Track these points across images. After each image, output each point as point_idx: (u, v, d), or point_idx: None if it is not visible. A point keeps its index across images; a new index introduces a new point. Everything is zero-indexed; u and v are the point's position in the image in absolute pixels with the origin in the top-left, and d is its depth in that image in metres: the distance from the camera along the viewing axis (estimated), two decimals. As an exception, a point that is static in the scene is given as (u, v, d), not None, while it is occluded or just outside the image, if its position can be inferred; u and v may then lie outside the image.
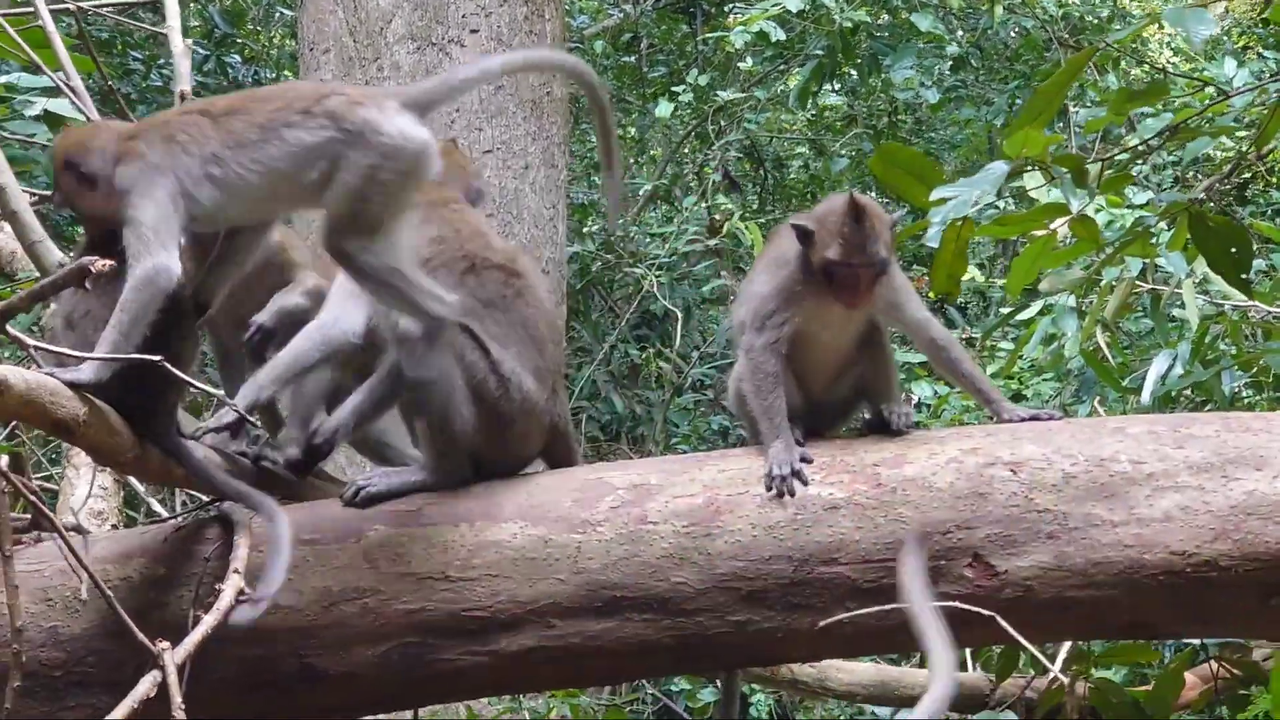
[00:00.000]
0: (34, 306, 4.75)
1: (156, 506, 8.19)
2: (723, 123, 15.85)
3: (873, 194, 15.95)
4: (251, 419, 5.18)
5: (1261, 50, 14.76)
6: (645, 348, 15.29)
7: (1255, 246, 6.72)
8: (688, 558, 4.93)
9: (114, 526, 6.55)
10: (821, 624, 4.84)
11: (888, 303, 5.33)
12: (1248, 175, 12.86)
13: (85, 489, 6.36)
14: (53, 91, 6.96)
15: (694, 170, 16.40)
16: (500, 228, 9.19)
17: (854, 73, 15.20)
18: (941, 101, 15.07)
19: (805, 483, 4.99)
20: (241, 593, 4.76)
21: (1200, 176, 12.90)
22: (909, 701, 7.19)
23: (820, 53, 14.19)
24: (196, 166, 5.04)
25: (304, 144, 5.05)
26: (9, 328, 4.61)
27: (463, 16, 10.17)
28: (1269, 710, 6.59)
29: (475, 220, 5.62)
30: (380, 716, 7.20)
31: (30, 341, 4.62)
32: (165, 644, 4.50)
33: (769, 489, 4.98)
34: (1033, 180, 6.95)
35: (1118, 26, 14.67)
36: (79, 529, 5.21)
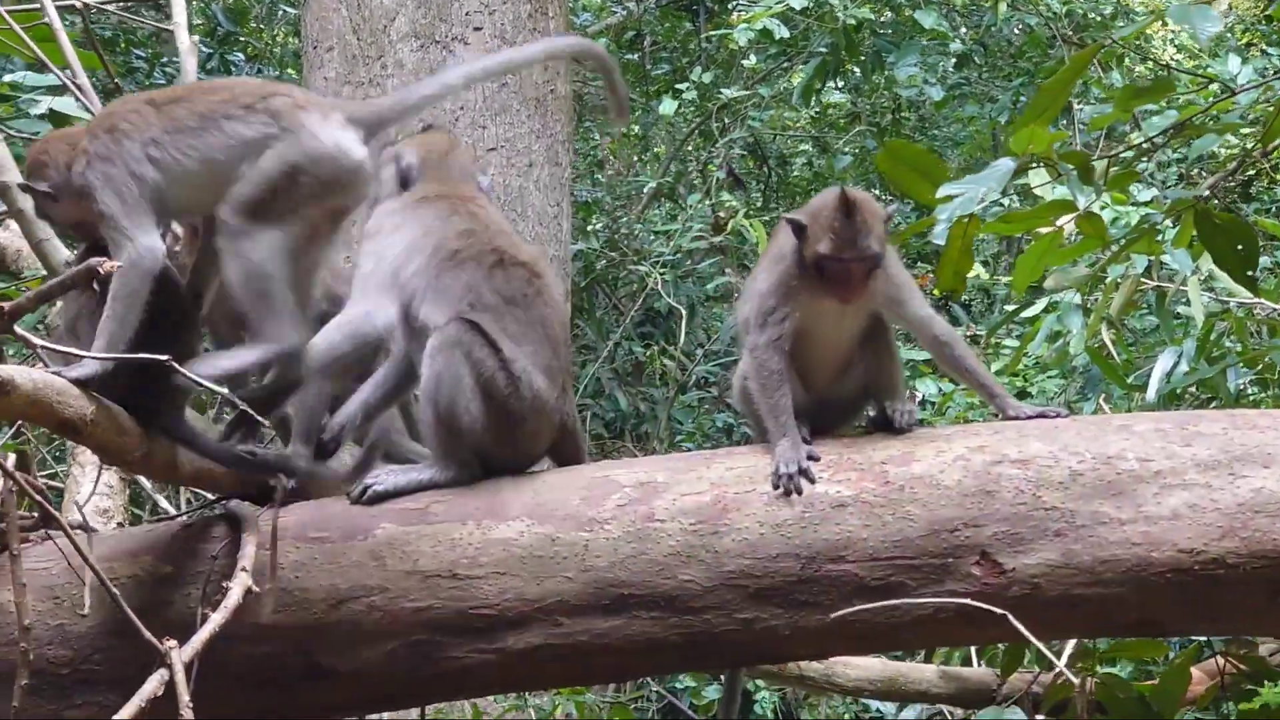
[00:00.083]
0: (41, 306, 4.73)
1: (163, 504, 8.19)
2: (726, 120, 15.84)
3: (876, 191, 16.02)
4: (263, 421, 5.20)
5: (1265, 47, 14.73)
6: (649, 345, 15.28)
7: (1260, 243, 6.71)
8: (695, 556, 4.93)
9: (120, 524, 6.55)
10: (832, 616, 4.84)
11: (889, 299, 5.32)
12: (1252, 172, 12.84)
13: (90, 487, 6.36)
14: (57, 90, 6.97)
15: (698, 168, 16.39)
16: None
17: (857, 70, 15.19)
18: (945, 99, 15.05)
19: (812, 481, 4.99)
20: (249, 590, 4.77)
21: (1204, 173, 12.89)
22: (916, 697, 7.19)
23: (824, 50, 14.18)
24: (137, 149, 5.11)
25: (241, 137, 5.08)
26: (16, 328, 4.61)
27: (466, 14, 10.18)
28: (1274, 702, 6.59)
29: (499, 218, 5.65)
30: (385, 715, 7.24)
31: (38, 341, 4.62)
32: (173, 642, 4.51)
33: (776, 487, 4.98)
34: (1037, 177, 6.95)
35: (1121, 24, 14.65)
36: (86, 527, 5.20)
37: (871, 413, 5.41)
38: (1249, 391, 8.52)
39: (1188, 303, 8.32)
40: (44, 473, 7.77)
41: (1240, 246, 6.09)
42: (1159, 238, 7.00)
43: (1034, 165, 5.97)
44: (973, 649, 7.43)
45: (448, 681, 5.10)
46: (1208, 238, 6.17)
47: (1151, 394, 8.14)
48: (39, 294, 4.53)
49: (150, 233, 5.01)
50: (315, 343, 5.34)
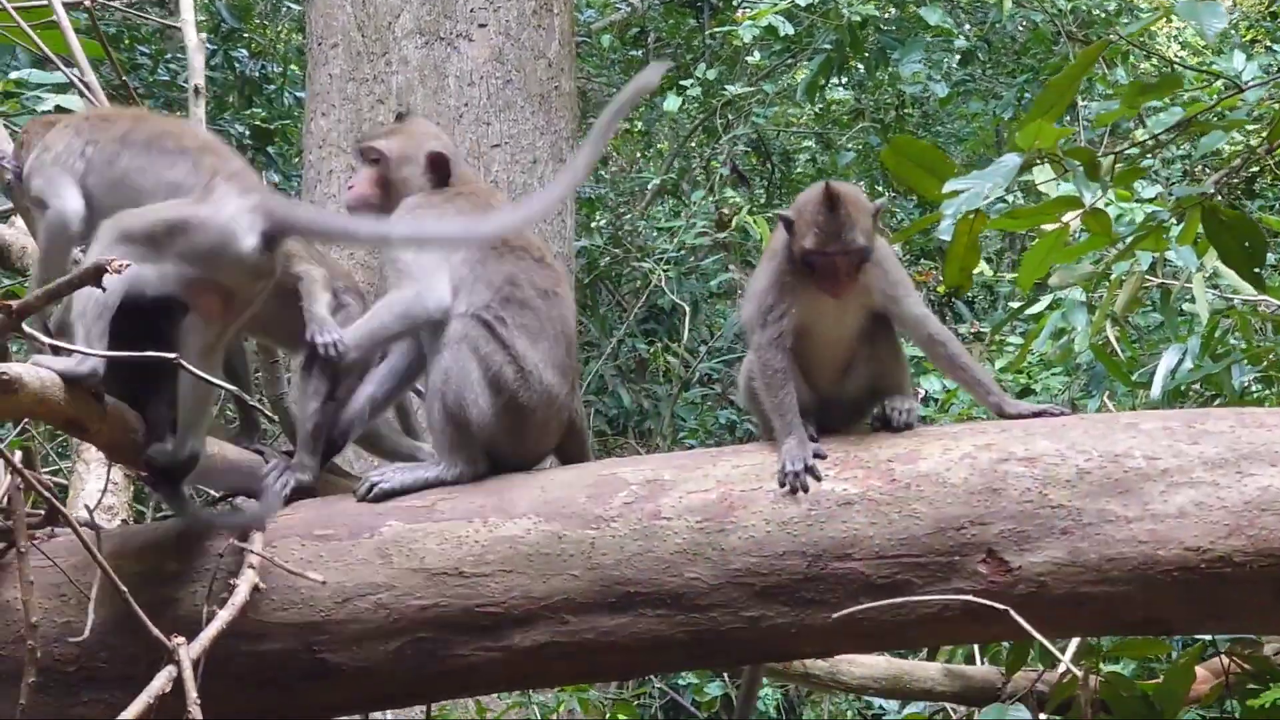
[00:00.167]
0: (48, 305, 4.73)
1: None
2: (730, 117, 15.84)
3: (880, 188, 16.03)
4: (270, 415, 5.19)
5: (1269, 44, 14.73)
6: (653, 342, 15.29)
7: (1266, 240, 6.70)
8: (701, 553, 4.92)
9: (124, 521, 6.53)
10: (835, 616, 4.84)
11: (884, 295, 5.31)
12: (1256, 169, 12.83)
13: (95, 484, 6.34)
14: (62, 87, 6.97)
15: (701, 164, 16.38)
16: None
17: (861, 67, 15.19)
18: (950, 95, 15.05)
19: (819, 478, 4.99)
20: (257, 588, 4.77)
21: (1209, 170, 12.88)
22: (921, 695, 7.19)
23: (828, 47, 14.18)
24: (78, 144, 5.16)
25: (163, 176, 5.05)
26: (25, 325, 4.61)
27: (471, 11, 10.18)
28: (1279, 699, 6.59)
29: None
30: (388, 713, 7.24)
31: (46, 339, 4.61)
32: (180, 639, 4.52)
33: (782, 485, 4.98)
34: (1042, 174, 6.95)
35: (1125, 20, 14.65)
36: (93, 524, 5.20)
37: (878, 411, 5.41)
38: (1253, 388, 8.52)
39: (1192, 300, 8.33)
40: (47, 469, 7.77)
41: (1247, 243, 6.10)
42: (1165, 235, 6.99)
43: (1039, 161, 5.97)
44: (976, 647, 7.42)
45: (453, 679, 5.09)
46: (1214, 235, 6.17)
47: (1156, 391, 8.14)
48: (47, 292, 4.52)
49: (68, 196, 5.04)
50: (358, 326, 5.35)
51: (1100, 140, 11.99)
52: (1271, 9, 15.52)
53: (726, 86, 15.43)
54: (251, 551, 4.95)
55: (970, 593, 4.80)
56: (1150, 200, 8.58)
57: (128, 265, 4.45)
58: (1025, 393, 10.23)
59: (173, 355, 4.55)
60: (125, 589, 4.63)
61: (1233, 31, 14.97)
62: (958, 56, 15.46)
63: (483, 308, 5.32)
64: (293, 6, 16.14)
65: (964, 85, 15.56)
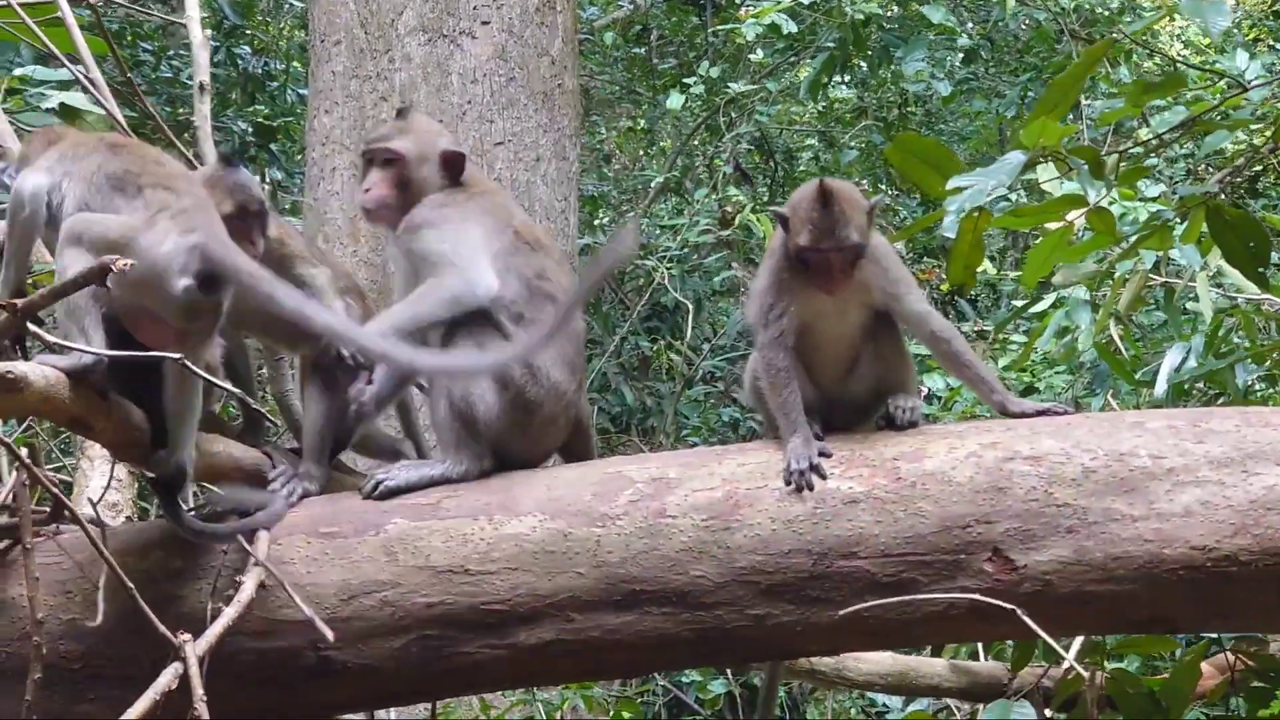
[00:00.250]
0: (54, 303, 4.72)
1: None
2: (733, 115, 15.83)
3: (884, 186, 16.03)
4: (271, 420, 5.19)
5: (1273, 43, 14.74)
6: (656, 340, 15.29)
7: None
8: (707, 551, 4.93)
9: (128, 518, 6.54)
10: (841, 614, 4.84)
11: (883, 292, 5.31)
12: (1259, 168, 12.84)
13: (99, 480, 6.34)
14: (67, 84, 6.96)
15: (705, 162, 16.38)
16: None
17: (864, 65, 15.18)
18: (953, 94, 15.05)
19: (824, 476, 4.99)
20: (262, 585, 4.77)
21: (1212, 169, 12.88)
22: (927, 691, 7.19)
23: (831, 45, 14.17)
24: (51, 161, 5.11)
25: (116, 205, 5.01)
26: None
27: (474, 8, 10.18)
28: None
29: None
30: (394, 711, 7.24)
31: (51, 338, 4.61)
32: (187, 636, 4.52)
33: (788, 483, 4.98)
34: (1045, 172, 6.94)
35: (1129, 19, 14.65)
36: (98, 522, 5.20)
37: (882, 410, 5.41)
38: (1257, 387, 8.53)
39: (1196, 298, 8.32)
40: (51, 466, 7.78)
41: (1251, 243, 6.09)
42: (1169, 234, 6.99)
43: (1042, 160, 5.96)
44: (980, 644, 7.42)
45: (459, 677, 5.09)
46: (1219, 234, 6.17)
47: (1159, 390, 8.14)
48: (53, 290, 4.52)
49: (34, 177, 5.03)
50: (399, 312, 5.33)
51: (1103, 139, 11.98)
52: (1274, 8, 15.53)
53: (729, 84, 15.43)
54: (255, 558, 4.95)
55: (976, 591, 4.80)
56: (1153, 199, 8.58)
57: (131, 264, 4.46)
58: (1029, 391, 10.24)
59: (177, 355, 4.54)
60: (131, 586, 4.62)
61: (1235, 31, 14.97)
62: (961, 55, 15.45)
63: (513, 300, 5.34)
64: (295, 3, 16.14)
65: (967, 84, 15.55)
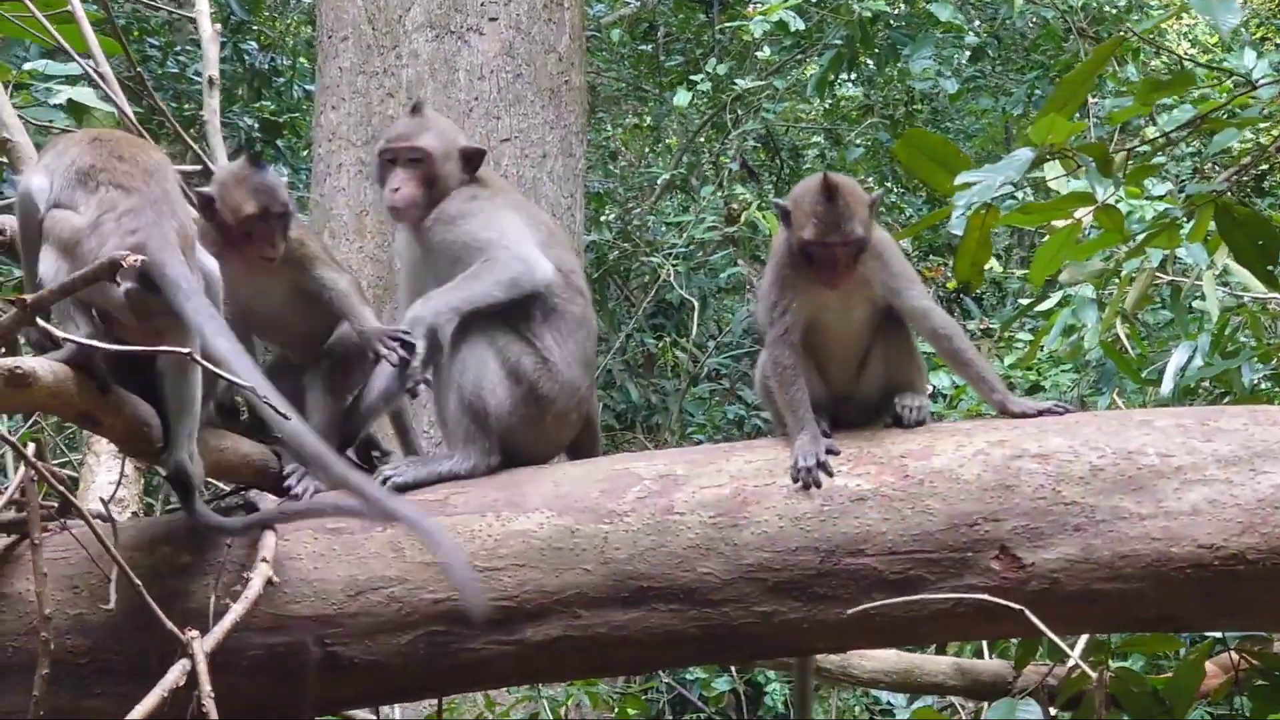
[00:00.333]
0: (63, 299, 4.71)
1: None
2: (740, 112, 15.83)
3: (889, 183, 16.02)
4: (285, 414, 5.18)
5: (1279, 42, 14.74)
6: (661, 337, 15.29)
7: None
8: (714, 548, 4.93)
9: (134, 514, 6.54)
10: (849, 613, 4.84)
11: (885, 287, 5.31)
12: (1266, 166, 12.83)
13: (106, 476, 6.35)
14: (75, 79, 6.95)
15: (711, 159, 16.38)
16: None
17: (871, 63, 15.18)
18: (959, 91, 15.05)
19: (831, 474, 4.99)
20: (270, 581, 4.77)
21: (1218, 168, 12.87)
22: (931, 689, 7.19)
23: (838, 42, 14.18)
24: (50, 159, 5.07)
25: (85, 202, 4.98)
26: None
27: (481, 5, 10.18)
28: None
29: None
30: (398, 707, 7.23)
31: (59, 334, 4.61)
32: (194, 632, 4.52)
33: (795, 480, 4.98)
34: (1052, 170, 6.94)
35: (1136, 17, 14.64)
36: (106, 517, 5.20)
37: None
38: (1263, 386, 8.52)
39: (1202, 297, 8.31)
40: (56, 461, 7.78)
41: (1260, 241, 6.09)
42: (1176, 232, 6.98)
43: (1049, 157, 5.96)
44: (984, 642, 7.42)
45: (465, 673, 5.09)
46: (1227, 232, 6.16)
47: (1165, 389, 8.14)
48: (62, 287, 4.51)
49: (34, 176, 5.02)
50: (450, 293, 5.35)
51: (1110, 137, 11.97)
52: (1282, 6, 15.51)
53: (736, 81, 15.43)
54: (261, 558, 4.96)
55: (983, 589, 4.81)
56: (1160, 198, 8.57)
57: (142, 259, 4.45)
58: (1035, 389, 10.24)
59: (186, 350, 4.53)
60: (138, 581, 4.63)
61: (1243, 30, 14.96)
62: (968, 53, 15.46)
63: (555, 291, 5.42)
64: (302, -1, 16.16)
65: (974, 81, 15.56)
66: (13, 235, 5.42)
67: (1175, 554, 4.76)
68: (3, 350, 4.91)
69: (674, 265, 14.64)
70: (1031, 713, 6.60)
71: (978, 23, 15.75)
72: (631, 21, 17.27)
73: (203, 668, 4.41)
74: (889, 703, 10.98)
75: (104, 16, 7.32)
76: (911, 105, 16.55)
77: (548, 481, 5.18)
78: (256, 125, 14.49)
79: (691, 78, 15.56)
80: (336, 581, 5.02)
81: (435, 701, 6.36)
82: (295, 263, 5.44)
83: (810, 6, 14.13)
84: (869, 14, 13.85)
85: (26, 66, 7.16)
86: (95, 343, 4.64)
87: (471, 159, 5.62)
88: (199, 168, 6.81)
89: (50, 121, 6.95)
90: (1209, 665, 6.71)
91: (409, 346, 5.26)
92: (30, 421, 6.87)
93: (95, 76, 6.58)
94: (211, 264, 5.10)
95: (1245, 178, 12.18)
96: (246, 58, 15.06)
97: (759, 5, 14.50)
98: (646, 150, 17.14)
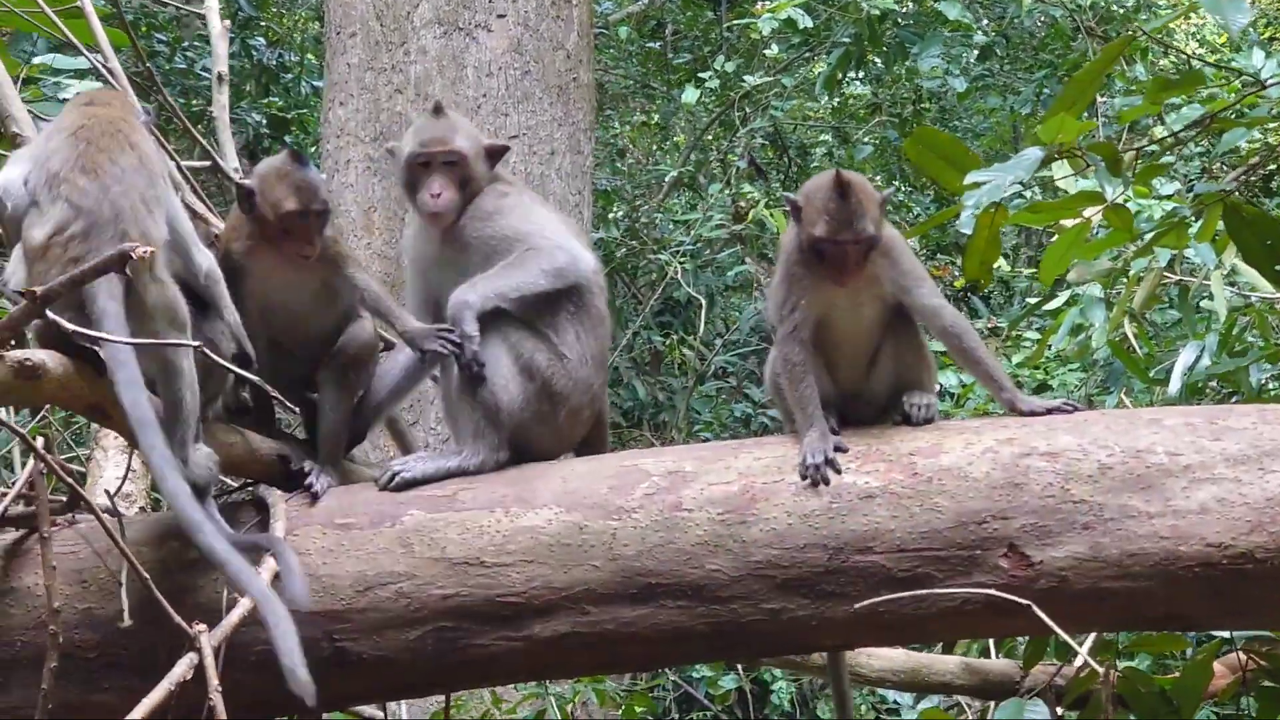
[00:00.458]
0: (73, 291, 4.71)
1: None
2: (748, 110, 15.83)
3: (897, 181, 16.02)
4: (293, 407, 5.20)
5: (1288, 41, 14.73)
6: (668, 334, 15.30)
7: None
8: (722, 545, 4.93)
9: (141, 509, 6.54)
10: (857, 606, 4.84)
11: (894, 285, 5.31)
12: (1274, 166, 12.81)
13: (114, 471, 6.35)
14: (83, 74, 6.96)
15: (718, 157, 16.39)
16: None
17: (879, 61, 15.18)
18: (968, 90, 15.04)
19: (839, 471, 4.99)
20: (278, 575, 4.77)
21: (1226, 168, 12.86)
22: (939, 688, 7.18)
23: (847, 40, 14.18)
24: (41, 139, 5.08)
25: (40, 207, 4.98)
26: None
27: (490, 1, 10.19)
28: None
29: None
30: (405, 704, 7.24)
31: (70, 326, 4.61)
32: (202, 626, 4.52)
33: (804, 477, 4.98)
34: (1060, 169, 6.93)
35: (1144, 16, 14.63)
36: (114, 511, 5.21)
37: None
38: (1271, 386, 8.51)
39: (1210, 297, 8.31)
40: (64, 455, 7.78)
41: (1268, 241, 6.08)
42: (1185, 231, 6.98)
43: (1058, 156, 5.96)
44: (991, 641, 7.42)
45: (474, 669, 5.09)
46: (1236, 232, 6.16)
47: (1173, 388, 8.13)
48: (71, 278, 4.51)
49: (12, 167, 5.01)
50: (493, 280, 5.35)
51: (1118, 136, 11.97)
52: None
53: (744, 79, 15.43)
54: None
55: (991, 587, 4.80)
56: (1168, 197, 8.56)
57: (151, 250, 4.46)
58: (1042, 388, 10.22)
59: (196, 343, 4.54)
60: (147, 576, 4.63)
61: (1251, 30, 14.95)
62: (976, 51, 15.44)
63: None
64: (310, -5, 16.16)
65: (982, 80, 15.54)
66: None
67: (1184, 552, 4.75)
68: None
69: (681, 263, 14.64)
70: (1039, 712, 6.59)
71: (986, 21, 15.75)
72: (640, 19, 17.28)
73: (210, 662, 4.42)
74: (896, 702, 10.97)
75: (112, 11, 7.31)
76: (919, 104, 16.55)
77: (556, 478, 5.18)
78: (264, 121, 14.50)
79: (699, 75, 15.57)
80: (345, 577, 5.03)
81: (443, 698, 6.38)
82: (329, 261, 5.46)
83: (818, 4, 14.14)
84: (877, 12, 13.85)
85: (35, 61, 7.17)
86: (103, 335, 4.64)
87: (494, 156, 5.63)
88: (207, 163, 6.82)
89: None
90: (1216, 665, 6.71)
91: (459, 339, 5.29)
92: (38, 416, 6.88)
93: (104, 71, 6.59)
94: (209, 260, 5.13)
95: (1254, 177, 12.17)
96: (255, 53, 15.07)
97: (767, 3, 14.49)
98: (654, 148, 17.15)
